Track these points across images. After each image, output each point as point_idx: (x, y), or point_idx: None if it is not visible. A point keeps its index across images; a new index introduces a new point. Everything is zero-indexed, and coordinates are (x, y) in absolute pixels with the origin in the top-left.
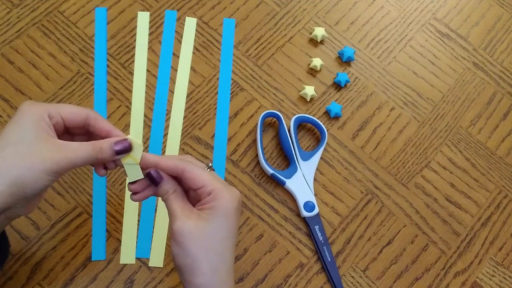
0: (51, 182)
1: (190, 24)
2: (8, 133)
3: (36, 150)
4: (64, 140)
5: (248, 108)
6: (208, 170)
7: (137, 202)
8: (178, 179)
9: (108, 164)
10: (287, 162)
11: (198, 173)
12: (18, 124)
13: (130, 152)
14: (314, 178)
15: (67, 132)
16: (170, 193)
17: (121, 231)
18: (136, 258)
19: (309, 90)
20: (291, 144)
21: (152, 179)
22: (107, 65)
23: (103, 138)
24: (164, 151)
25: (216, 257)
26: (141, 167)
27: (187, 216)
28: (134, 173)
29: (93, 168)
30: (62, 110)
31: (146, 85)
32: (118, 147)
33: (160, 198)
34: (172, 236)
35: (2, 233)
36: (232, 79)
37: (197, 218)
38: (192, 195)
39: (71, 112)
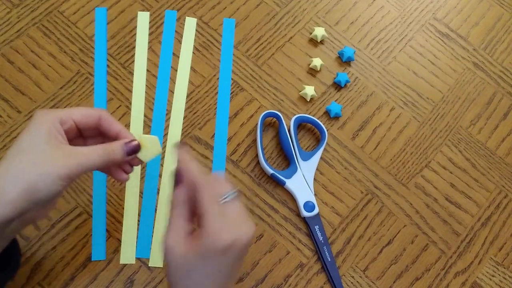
0: (63, 187)
1: (190, 24)
2: (21, 141)
3: (48, 156)
4: (77, 144)
5: (248, 108)
6: (222, 201)
7: (137, 202)
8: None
9: (125, 167)
10: (287, 162)
11: (202, 201)
12: (29, 132)
13: (146, 149)
14: (314, 178)
15: (80, 135)
16: (177, 204)
17: (121, 231)
18: (136, 258)
19: (309, 90)
20: (291, 144)
21: (175, 176)
22: (107, 65)
23: (113, 139)
24: (164, 151)
25: None
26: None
27: (178, 239)
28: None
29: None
30: (74, 114)
31: (146, 85)
32: (127, 148)
33: (160, 199)
34: (162, 244)
35: (14, 242)
36: (232, 79)
37: (187, 248)
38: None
39: (83, 114)
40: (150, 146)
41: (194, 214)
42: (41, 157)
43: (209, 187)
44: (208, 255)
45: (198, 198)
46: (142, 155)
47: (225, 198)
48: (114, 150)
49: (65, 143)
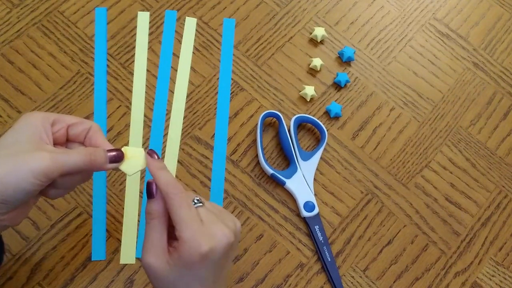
0: (37, 186)
1: (190, 24)
2: (4, 137)
3: (23, 151)
4: None
5: (248, 108)
6: (196, 206)
7: (137, 202)
8: None
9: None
10: (287, 162)
11: (176, 210)
12: (13, 128)
13: (127, 160)
14: (314, 178)
15: (65, 145)
16: (152, 217)
17: (121, 231)
18: (136, 258)
19: (309, 90)
20: (291, 144)
21: (147, 190)
22: (107, 65)
23: None
24: (164, 151)
25: None
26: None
27: (156, 254)
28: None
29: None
30: (68, 117)
31: (146, 85)
32: (110, 155)
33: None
34: (142, 261)
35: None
36: (232, 79)
37: (165, 261)
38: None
39: (77, 119)
40: (134, 159)
41: (170, 225)
42: (14, 152)
43: (181, 194)
44: (189, 264)
45: (171, 207)
46: (125, 167)
47: (198, 203)
48: (97, 153)
49: (47, 142)
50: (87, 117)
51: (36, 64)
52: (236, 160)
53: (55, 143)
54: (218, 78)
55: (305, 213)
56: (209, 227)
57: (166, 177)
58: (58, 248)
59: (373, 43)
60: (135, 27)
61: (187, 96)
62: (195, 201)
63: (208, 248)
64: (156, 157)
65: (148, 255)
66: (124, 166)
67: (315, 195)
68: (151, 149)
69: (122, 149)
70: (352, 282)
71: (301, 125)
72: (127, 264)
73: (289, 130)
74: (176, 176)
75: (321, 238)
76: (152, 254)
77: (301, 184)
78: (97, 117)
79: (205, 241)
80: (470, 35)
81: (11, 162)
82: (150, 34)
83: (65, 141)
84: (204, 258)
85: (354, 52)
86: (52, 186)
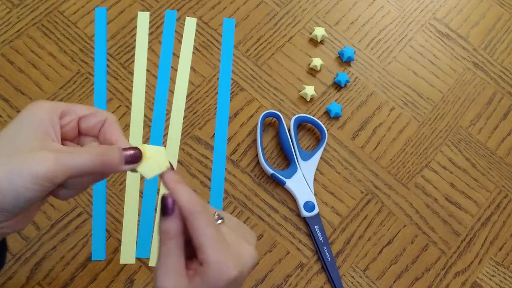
0: (40, 192)
1: (190, 24)
2: (4, 132)
3: (24, 150)
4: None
5: (248, 108)
6: (219, 221)
7: (137, 202)
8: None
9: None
10: (287, 162)
11: (202, 231)
12: (16, 121)
13: (147, 160)
14: (314, 178)
15: (76, 139)
16: (169, 237)
17: (121, 231)
18: (136, 258)
19: (309, 90)
20: (291, 144)
21: (163, 205)
22: (107, 65)
23: None
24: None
25: None
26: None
27: (174, 278)
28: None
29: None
30: (79, 108)
31: (146, 85)
32: (126, 154)
33: (160, 196)
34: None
35: (2, 242)
36: (232, 79)
37: (184, 286)
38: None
39: (90, 110)
40: (153, 159)
41: (188, 245)
42: (14, 150)
43: (206, 213)
44: None
45: (195, 227)
46: (144, 168)
47: (218, 219)
48: (110, 153)
49: (53, 139)
50: None
51: (36, 64)
52: (236, 160)
53: (65, 138)
54: (218, 78)
55: (305, 213)
56: (235, 248)
57: (187, 193)
58: (58, 248)
59: (373, 43)
60: (135, 27)
61: (187, 96)
62: (216, 217)
63: (237, 272)
64: (171, 167)
65: (165, 279)
66: (142, 168)
67: (315, 195)
68: (171, 166)
69: (140, 147)
70: (352, 282)
71: (301, 125)
72: (127, 264)
73: (289, 130)
74: None
75: (321, 238)
76: (169, 278)
77: (301, 184)
78: None
79: (234, 264)
80: (470, 35)
81: (8, 164)
82: (150, 34)
83: (76, 135)
84: (231, 282)
85: (354, 52)
86: (62, 186)
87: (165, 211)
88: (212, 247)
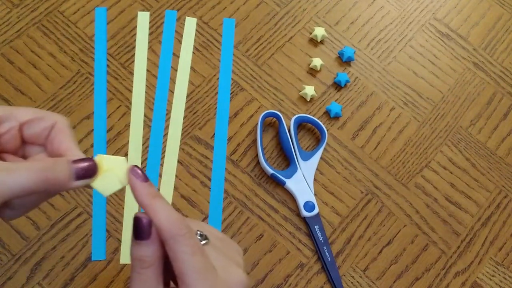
0: None
1: (190, 24)
2: None
3: None
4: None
5: (248, 108)
6: (204, 242)
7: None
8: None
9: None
10: (287, 162)
11: (186, 258)
12: None
13: (100, 175)
14: (314, 178)
15: (22, 150)
16: (145, 265)
17: (121, 231)
18: None
19: (309, 90)
20: (291, 144)
21: (136, 228)
22: (107, 65)
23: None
24: (164, 151)
25: None
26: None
27: None
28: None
29: None
30: (20, 112)
31: (146, 85)
32: (76, 168)
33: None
34: None
35: None
36: (232, 79)
37: None
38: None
39: (34, 115)
40: (113, 172)
41: (166, 268)
42: None
43: (190, 234)
44: None
45: (176, 253)
46: (100, 183)
47: (202, 239)
48: (56, 167)
49: None
50: (88, 117)
51: (36, 64)
52: (236, 160)
53: (4, 150)
54: (218, 78)
55: (305, 213)
56: (224, 276)
57: (166, 211)
58: (58, 248)
59: (373, 43)
60: (135, 27)
61: (187, 96)
62: (199, 236)
63: None
64: (141, 176)
65: None
66: (98, 183)
67: (315, 195)
68: (134, 166)
69: (96, 157)
70: (352, 282)
71: (301, 125)
72: (127, 264)
73: (289, 130)
74: (176, 176)
75: (321, 238)
76: None
77: (301, 184)
78: (97, 117)
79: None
80: (470, 35)
81: None
82: (150, 34)
83: (19, 145)
84: None
85: (354, 52)
86: (6, 206)
87: (139, 234)
88: (197, 279)
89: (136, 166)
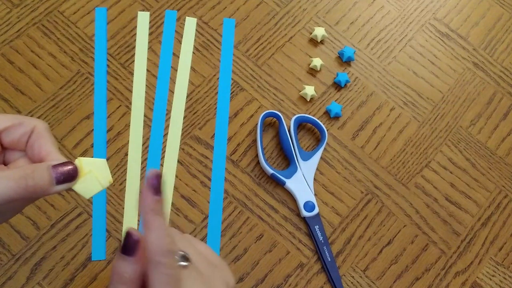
0: None
1: (190, 24)
2: None
3: None
4: None
5: (248, 108)
6: (183, 264)
7: (137, 202)
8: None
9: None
10: (287, 162)
11: (153, 281)
12: None
13: (81, 178)
14: (314, 178)
15: (2, 157)
16: (122, 281)
17: (121, 231)
18: None
19: (309, 90)
20: (291, 144)
21: (125, 242)
22: (107, 65)
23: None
24: (164, 151)
25: None
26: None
27: None
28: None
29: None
30: None
31: (146, 85)
32: (57, 173)
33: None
34: None
35: None
36: (232, 79)
37: None
38: None
39: (12, 119)
40: (93, 174)
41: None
42: None
43: (168, 265)
44: None
45: (151, 276)
46: (81, 186)
47: (182, 260)
48: (36, 174)
49: None
50: (88, 117)
51: (36, 64)
52: (236, 160)
53: None
54: (218, 78)
55: (305, 213)
56: None
57: (159, 233)
58: (58, 248)
59: (373, 43)
60: (135, 27)
61: (187, 96)
62: (180, 257)
63: None
64: (155, 188)
65: None
66: (79, 186)
67: (315, 195)
68: (155, 174)
69: (76, 161)
70: (352, 282)
71: (301, 125)
72: None
73: (289, 130)
74: (176, 176)
75: (321, 238)
76: None
77: (301, 184)
78: (97, 117)
79: None
80: (470, 35)
81: None
82: (150, 34)
83: (0, 151)
84: None
85: (354, 52)
86: None
87: (125, 250)
88: None
89: (156, 174)
